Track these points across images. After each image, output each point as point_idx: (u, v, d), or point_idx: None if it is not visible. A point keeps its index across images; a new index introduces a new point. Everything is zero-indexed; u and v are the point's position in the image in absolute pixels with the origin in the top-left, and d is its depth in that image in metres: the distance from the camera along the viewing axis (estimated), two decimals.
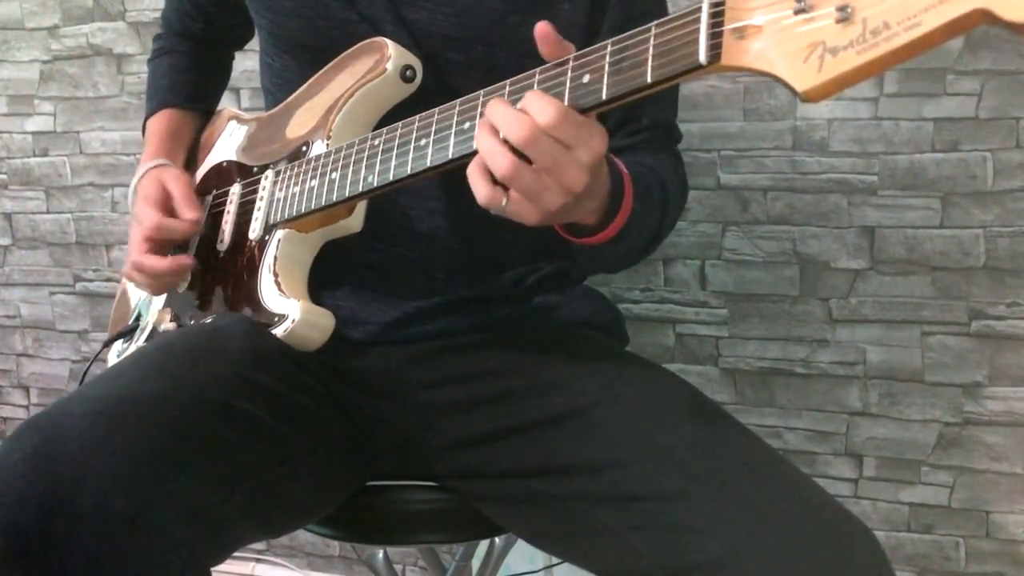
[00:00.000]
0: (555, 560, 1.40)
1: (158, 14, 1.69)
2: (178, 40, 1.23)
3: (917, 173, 1.34)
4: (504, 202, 0.74)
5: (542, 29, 0.74)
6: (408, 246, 0.99)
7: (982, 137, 1.31)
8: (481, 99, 0.79)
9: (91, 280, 1.90)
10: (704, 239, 1.46)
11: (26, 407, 2.02)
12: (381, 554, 1.18)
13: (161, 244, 1.04)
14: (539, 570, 1.41)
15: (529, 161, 0.72)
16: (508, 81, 0.78)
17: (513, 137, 0.72)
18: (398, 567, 1.75)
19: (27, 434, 0.73)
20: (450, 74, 0.95)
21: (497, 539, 1.16)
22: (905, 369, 1.40)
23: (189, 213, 1.04)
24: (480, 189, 0.75)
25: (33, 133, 1.87)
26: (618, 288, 1.51)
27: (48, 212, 1.90)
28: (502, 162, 0.72)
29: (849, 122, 1.36)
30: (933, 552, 1.43)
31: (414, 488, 1.01)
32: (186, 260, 1.04)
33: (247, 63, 1.61)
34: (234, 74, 1.65)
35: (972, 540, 1.41)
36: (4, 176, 1.92)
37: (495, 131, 0.73)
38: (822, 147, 1.38)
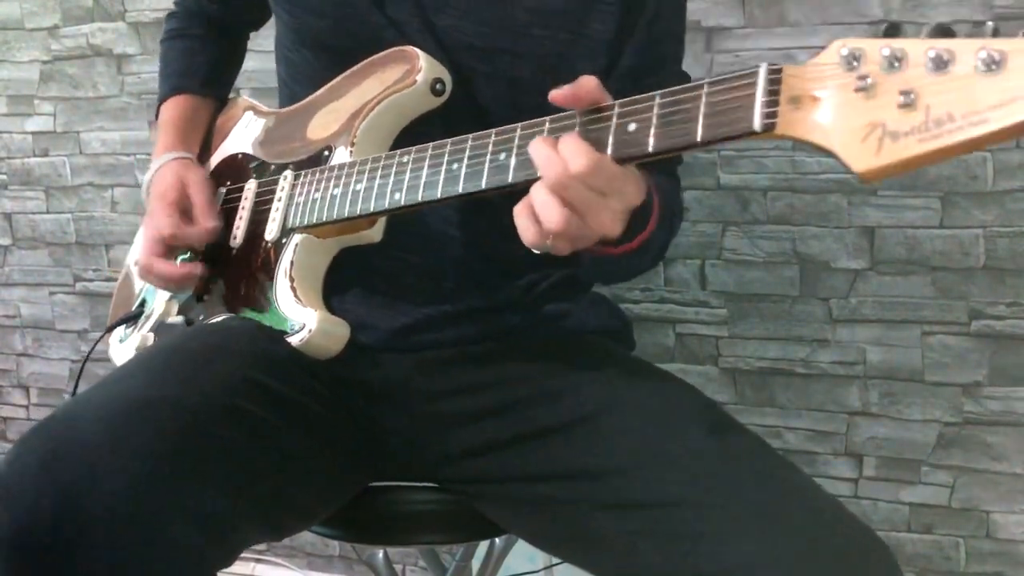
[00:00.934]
0: (555, 560, 1.40)
1: (158, 14, 1.70)
2: (192, 21, 1.21)
3: (917, 173, 1.34)
4: (550, 242, 0.75)
5: (554, 97, 0.74)
6: (419, 252, 0.98)
7: None
8: (518, 132, 0.78)
9: (91, 280, 1.90)
10: (704, 239, 1.46)
11: (26, 407, 2.02)
12: (381, 554, 1.18)
13: (171, 246, 1.03)
14: (539, 570, 1.41)
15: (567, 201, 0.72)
16: (548, 119, 0.77)
17: (545, 177, 0.72)
18: (398, 567, 1.75)
19: (38, 438, 0.73)
20: (472, 84, 0.95)
21: (497, 539, 1.15)
22: (905, 369, 1.40)
23: (208, 222, 1.02)
24: (528, 232, 0.75)
25: (33, 133, 1.87)
26: (618, 288, 1.51)
27: (48, 212, 1.90)
28: (553, 216, 0.72)
29: None
30: (933, 552, 1.43)
31: (415, 489, 1.01)
32: (197, 269, 1.02)
33: (249, 63, 1.60)
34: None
35: (972, 540, 1.41)
36: (4, 176, 1.92)
37: (546, 181, 0.73)
38: None
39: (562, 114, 0.76)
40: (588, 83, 0.74)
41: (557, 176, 0.72)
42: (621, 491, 0.83)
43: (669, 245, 0.98)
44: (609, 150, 0.72)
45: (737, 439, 0.86)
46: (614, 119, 0.73)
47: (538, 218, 0.73)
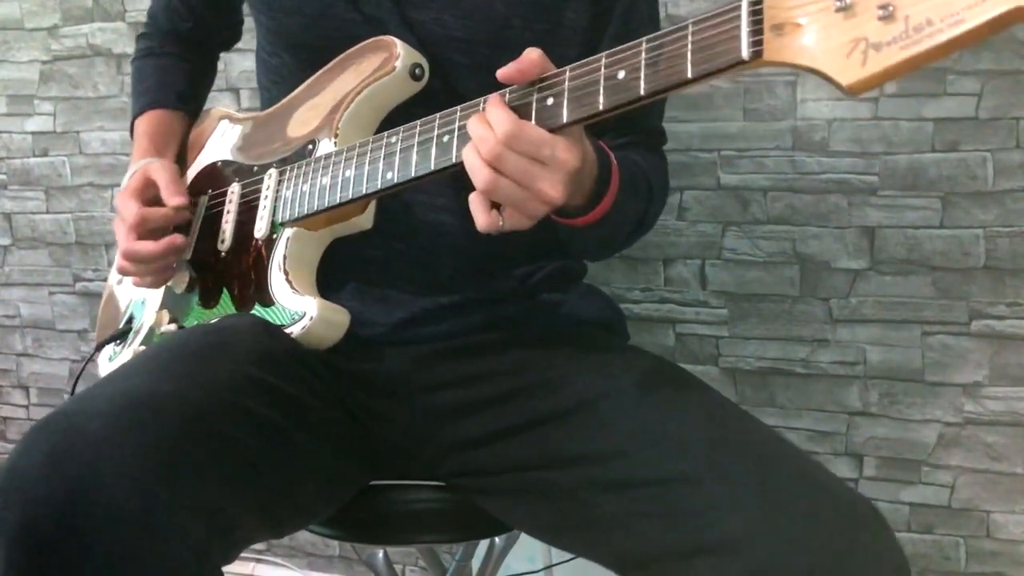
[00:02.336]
0: (555, 560, 1.40)
1: None
2: (165, 40, 1.22)
3: (917, 173, 1.34)
4: (501, 222, 0.78)
5: (501, 75, 0.77)
6: (413, 242, 0.99)
7: (982, 137, 1.31)
8: (509, 95, 0.80)
9: (91, 280, 1.90)
10: (704, 239, 1.46)
11: (26, 407, 2.02)
12: (381, 554, 1.18)
13: (149, 233, 1.03)
14: (539, 570, 1.41)
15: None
16: (538, 79, 0.79)
17: (483, 153, 0.75)
18: (398, 567, 1.75)
19: (43, 434, 0.74)
20: (454, 75, 0.96)
21: (497, 539, 1.15)
22: (905, 369, 1.40)
23: (174, 199, 1.02)
24: (480, 218, 0.78)
25: (33, 133, 1.87)
26: (618, 288, 1.51)
27: (48, 212, 1.90)
28: (481, 176, 0.76)
29: (849, 122, 1.36)
30: (933, 552, 1.43)
31: (414, 488, 1.01)
32: (177, 239, 1.02)
33: (246, 63, 1.61)
34: (234, 74, 1.65)
35: (972, 540, 1.41)
36: (4, 176, 1.92)
37: (476, 150, 0.77)
38: (822, 147, 1.38)
39: (553, 72, 0.78)
40: (532, 55, 0.77)
41: (492, 147, 0.75)
42: (622, 472, 0.84)
43: (652, 217, 1.01)
44: (601, 100, 0.74)
45: (733, 416, 0.87)
46: (602, 69, 0.74)
47: (486, 198, 0.77)
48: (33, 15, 1.82)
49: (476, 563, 1.18)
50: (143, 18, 1.72)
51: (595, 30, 0.97)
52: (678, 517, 0.79)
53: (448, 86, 0.96)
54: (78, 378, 1.12)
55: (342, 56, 0.97)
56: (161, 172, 1.05)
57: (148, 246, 1.01)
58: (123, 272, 1.05)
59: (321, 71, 0.99)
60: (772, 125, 1.40)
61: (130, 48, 1.75)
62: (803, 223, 1.41)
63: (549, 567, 1.42)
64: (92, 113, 1.82)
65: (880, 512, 0.79)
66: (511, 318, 1.00)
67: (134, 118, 1.18)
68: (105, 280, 1.87)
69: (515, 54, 0.94)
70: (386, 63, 0.94)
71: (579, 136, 0.78)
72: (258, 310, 0.96)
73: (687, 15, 1.40)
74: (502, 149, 0.75)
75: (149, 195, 1.04)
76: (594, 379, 0.92)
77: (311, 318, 0.92)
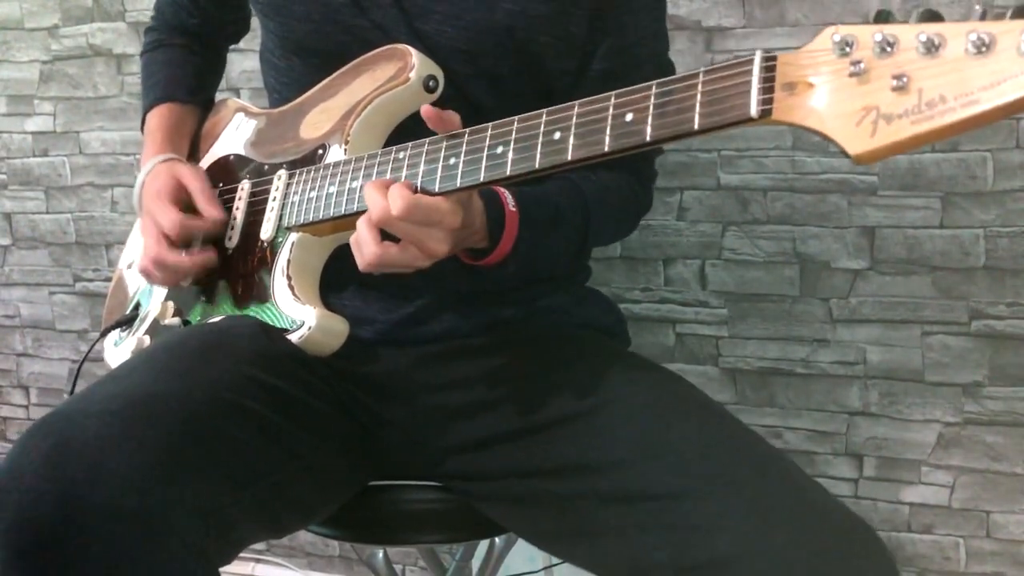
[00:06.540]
0: (555, 560, 1.40)
1: None
2: (172, 34, 1.21)
3: (917, 173, 1.34)
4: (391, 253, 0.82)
5: (426, 112, 0.82)
6: None
7: (982, 137, 1.31)
8: (516, 125, 0.79)
9: (91, 280, 1.90)
10: (704, 239, 1.46)
11: (26, 407, 2.02)
12: (381, 554, 1.18)
13: (179, 241, 1.02)
14: (539, 570, 1.41)
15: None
16: (545, 111, 0.78)
17: (373, 218, 0.79)
18: (398, 567, 1.75)
19: (42, 433, 0.74)
20: (456, 83, 0.95)
21: (497, 539, 1.15)
22: (905, 369, 1.40)
23: (214, 211, 1.01)
24: (358, 261, 0.83)
25: (33, 133, 1.87)
26: (618, 288, 1.51)
27: (48, 212, 1.90)
28: (369, 250, 0.80)
29: None
30: (933, 552, 1.43)
31: (414, 488, 1.01)
32: (210, 255, 1.01)
33: (247, 63, 1.61)
34: (234, 74, 1.65)
35: (972, 540, 1.41)
36: (4, 176, 1.92)
37: (370, 219, 0.81)
38: (822, 147, 1.38)
39: (560, 106, 0.77)
40: (453, 118, 0.82)
41: (383, 216, 0.79)
42: (619, 484, 0.84)
43: (606, 235, 1.05)
44: (607, 141, 0.73)
45: (731, 431, 0.87)
46: (610, 109, 0.74)
47: (360, 249, 0.81)
48: (33, 15, 1.82)
49: (476, 563, 1.18)
50: (143, 18, 1.73)
51: (591, 43, 0.97)
52: (673, 532, 0.79)
53: (456, 93, 0.95)
54: (78, 373, 1.12)
55: (358, 60, 0.97)
56: (194, 179, 1.04)
57: (180, 260, 0.99)
58: (147, 276, 1.03)
59: (336, 74, 0.99)
60: (772, 125, 1.39)
61: (130, 48, 1.75)
62: (803, 223, 1.41)
63: (549, 567, 1.42)
64: (92, 113, 1.82)
65: (875, 531, 0.79)
66: (511, 321, 1.01)
67: (146, 111, 1.17)
68: (105, 280, 1.88)
69: (516, 62, 0.94)
70: (400, 73, 0.93)
71: (462, 200, 0.82)
72: (257, 312, 0.96)
73: (686, 15, 1.40)
74: (394, 220, 0.79)
75: (181, 199, 1.03)
76: (594, 387, 0.92)
77: (309, 327, 0.91)
